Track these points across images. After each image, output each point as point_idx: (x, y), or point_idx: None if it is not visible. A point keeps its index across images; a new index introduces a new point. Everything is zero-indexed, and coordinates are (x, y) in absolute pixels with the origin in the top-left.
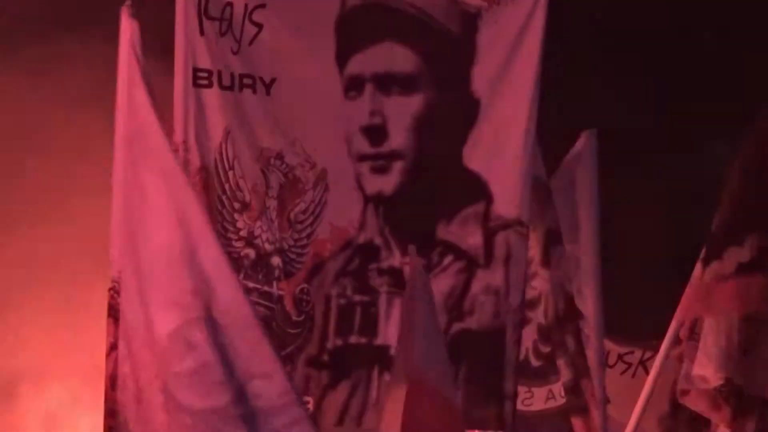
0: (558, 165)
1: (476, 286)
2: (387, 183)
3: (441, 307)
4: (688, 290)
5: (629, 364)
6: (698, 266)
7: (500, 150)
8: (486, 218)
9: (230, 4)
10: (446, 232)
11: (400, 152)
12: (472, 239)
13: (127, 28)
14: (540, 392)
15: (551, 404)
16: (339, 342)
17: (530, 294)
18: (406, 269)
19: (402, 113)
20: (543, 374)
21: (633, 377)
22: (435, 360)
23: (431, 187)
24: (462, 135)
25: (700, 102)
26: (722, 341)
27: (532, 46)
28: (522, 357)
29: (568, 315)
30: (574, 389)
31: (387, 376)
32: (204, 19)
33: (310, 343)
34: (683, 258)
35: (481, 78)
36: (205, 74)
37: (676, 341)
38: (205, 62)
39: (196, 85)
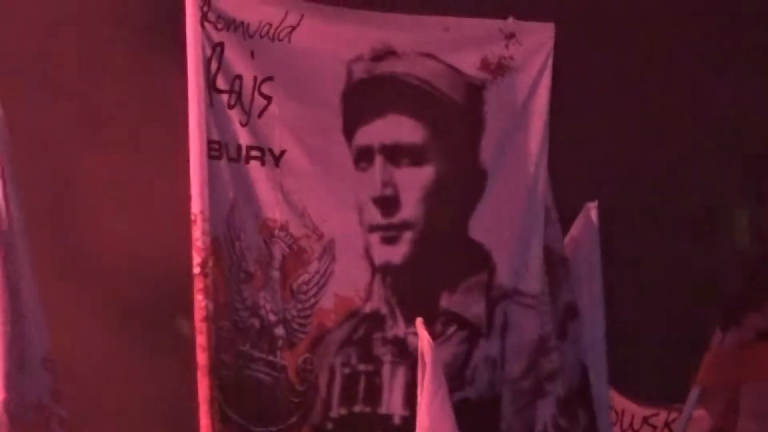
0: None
1: (477, 356)
2: (396, 253)
3: (444, 377)
4: (707, 357)
5: (654, 427)
6: (717, 333)
7: (502, 221)
8: (489, 288)
9: (239, 77)
10: (450, 301)
11: (411, 223)
12: (476, 308)
13: None
14: None
15: None
16: (343, 411)
17: (548, 367)
18: (410, 339)
19: (412, 184)
20: None
21: None
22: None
23: (437, 258)
24: (468, 206)
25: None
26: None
27: (537, 116)
28: (540, 429)
29: (582, 388)
30: None
31: None
32: (213, 91)
33: (313, 412)
34: (702, 322)
35: (487, 149)
36: (216, 146)
37: (697, 408)
38: (214, 134)
39: (210, 156)
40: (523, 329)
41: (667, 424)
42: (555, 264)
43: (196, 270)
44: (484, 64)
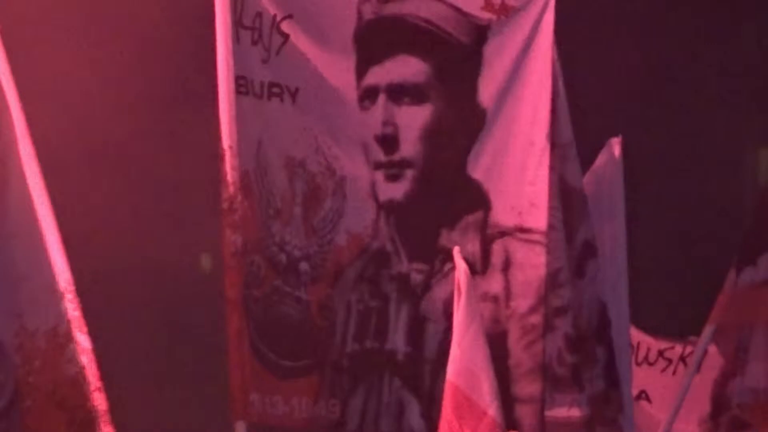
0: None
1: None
2: (398, 190)
3: (441, 314)
4: (722, 296)
5: (669, 361)
6: (732, 272)
7: (500, 159)
8: (484, 226)
9: (260, 14)
10: (448, 239)
11: (410, 161)
12: (471, 247)
13: None
14: (562, 399)
15: (574, 413)
16: (356, 347)
17: (557, 302)
18: (413, 275)
19: (412, 123)
20: (566, 382)
21: (674, 374)
22: (469, 368)
23: (437, 196)
24: (467, 144)
25: (729, 108)
26: None
27: (540, 55)
28: (545, 363)
29: (601, 326)
30: (604, 400)
31: (397, 382)
32: (239, 28)
33: (332, 348)
34: (720, 260)
35: (487, 88)
36: (243, 82)
37: (711, 344)
38: (241, 70)
39: (238, 92)
40: (529, 265)
41: (682, 358)
42: (573, 201)
43: (225, 205)
44: (488, 4)
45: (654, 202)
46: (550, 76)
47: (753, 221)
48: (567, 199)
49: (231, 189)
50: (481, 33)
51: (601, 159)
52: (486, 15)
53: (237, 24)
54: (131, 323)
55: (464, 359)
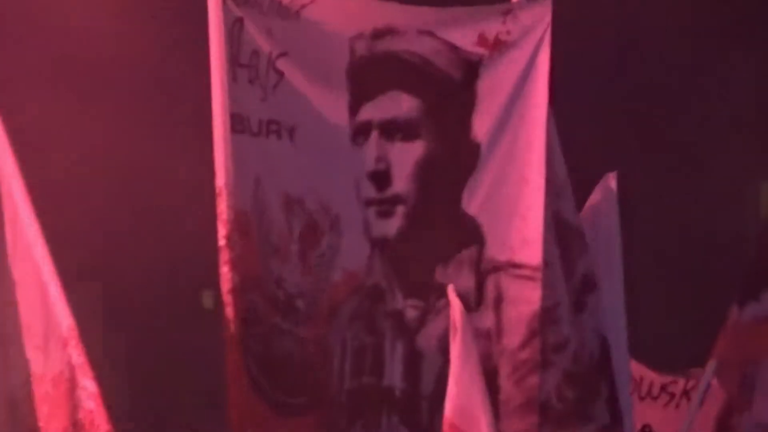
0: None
1: None
2: (390, 227)
3: (436, 350)
4: (724, 331)
5: (672, 395)
6: (734, 307)
7: (494, 194)
8: (478, 262)
9: (256, 52)
10: (443, 275)
11: (402, 197)
12: (465, 282)
13: None
14: None
15: None
16: (354, 383)
17: (554, 338)
18: (408, 312)
19: (404, 159)
20: (567, 419)
21: (677, 408)
22: (465, 405)
23: (431, 232)
24: (462, 180)
25: (730, 141)
26: None
27: (535, 91)
28: (544, 400)
29: (603, 360)
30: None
31: (395, 419)
32: (236, 66)
33: (331, 384)
34: (718, 292)
35: (481, 124)
36: (239, 119)
37: (713, 379)
38: (238, 108)
39: (233, 130)
40: (520, 301)
41: (685, 392)
42: (570, 236)
43: (222, 242)
44: (482, 40)
45: (655, 236)
46: (546, 112)
47: (755, 256)
48: (564, 235)
49: (228, 227)
50: (473, 68)
51: (596, 194)
52: (479, 50)
53: (233, 62)
54: (132, 361)
55: (461, 397)
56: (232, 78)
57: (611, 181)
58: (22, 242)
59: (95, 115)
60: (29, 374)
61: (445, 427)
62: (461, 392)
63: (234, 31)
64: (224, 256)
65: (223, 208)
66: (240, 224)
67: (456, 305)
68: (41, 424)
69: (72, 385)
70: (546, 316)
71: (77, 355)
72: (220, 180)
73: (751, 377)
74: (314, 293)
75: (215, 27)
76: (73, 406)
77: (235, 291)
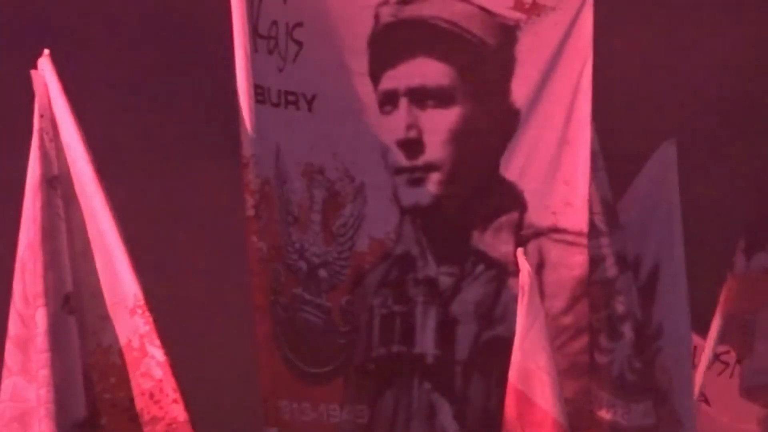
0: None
1: (507, 295)
2: (423, 195)
3: (472, 316)
4: (731, 282)
5: (726, 364)
6: (740, 258)
7: (534, 157)
8: (519, 227)
9: (275, 23)
10: (479, 241)
11: (436, 164)
12: (504, 248)
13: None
14: (637, 408)
15: (648, 421)
16: (382, 351)
17: (620, 309)
18: (441, 279)
19: (438, 126)
20: (638, 390)
21: (731, 377)
22: (531, 370)
23: (467, 198)
24: (500, 146)
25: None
26: None
27: (576, 55)
28: (617, 372)
29: (639, 343)
30: (662, 408)
31: (427, 385)
32: (257, 37)
33: (356, 352)
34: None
35: (520, 89)
36: (260, 91)
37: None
38: (259, 79)
39: (257, 101)
40: (562, 266)
41: (739, 361)
42: (610, 214)
43: (250, 212)
44: (518, 4)
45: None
46: (590, 75)
47: (763, 207)
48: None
49: (256, 196)
50: (510, 33)
51: (654, 163)
52: (515, 15)
53: (254, 33)
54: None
55: (526, 361)
56: (254, 49)
57: (670, 149)
58: (86, 211)
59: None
60: (96, 345)
61: (510, 392)
62: (526, 356)
63: (254, 1)
64: (252, 226)
65: (250, 178)
66: (265, 194)
67: (525, 268)
68: (108, 395)
69: (140, 354)
70: (608, 288)
71: (144, 324)
72: (247, 150)
73: (751, 324)
74: (338, 262)
75: None
76: (141, 375)
77: (263, 261)
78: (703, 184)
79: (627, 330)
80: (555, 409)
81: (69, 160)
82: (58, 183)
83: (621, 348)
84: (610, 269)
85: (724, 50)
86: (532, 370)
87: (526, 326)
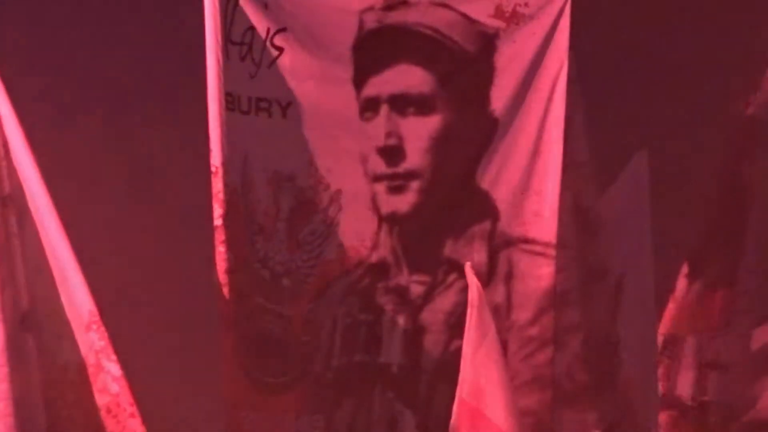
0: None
1: None
2: (403, 202)
3: (442, 325)
4: (672, 305)
5: None
6: (682, 282)
7: (507, 167)
8: (491, 236)
9: (252, 29)
10: (453, 250)
11: (417, 172)
12: (477, 257)
13: None
14: (573, 418)
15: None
16: (343, 360)
17: (567, 320)
18: (413, 287)
19: (418, 133)
20: (578, 401)
21: None
22: (482, 385)
23: (444, 206)
24: (477, 154)
25: None
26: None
27: (552, 64)
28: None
29: (604, 355)
30: (625, 418)
31: (390, 394)
32: (228, 44)
33: (315, 361)
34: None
35: (499, 98)
36: (230, 98)
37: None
38: (230, 86)
39: (227, 108)
40: (530, 276)
41: None
42: (584, 221)
43: (218, 222)
44: (498, 12)
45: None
46: (564, 85)
47: (702, 235)
48: (579, 219)
49: (225, 206)
50: (490, 41)
51: (627, 174)
52: (495, 23)
53: (226, 40)
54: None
55: (477, 377)
56: (225, 56)
57: (642, 160)
58: (40, 229)
59: (94, 92)
60: (52, 362)
61: (461, 408)
62: (477, 372)
63: (228, 8)
64: (220, 236)
65: (219, 187)
66: (233, 203)
67: (473, 283)
68: (65, 412)
69: (96, 369)
70: (561, 298)
71: (99, 339)
72: (216, 159)
73: (678, 351)
74: (302, 270)
75: (210, 4)
76: (98, 390)
77: (230, 271)
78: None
79: (572, 340)
80: (508, 424)
81: (21, 178)
82: (10, 201)
83: (564, 356)
84: (568, 280)
85: None
86: (483, 385)
87: (476, 341)
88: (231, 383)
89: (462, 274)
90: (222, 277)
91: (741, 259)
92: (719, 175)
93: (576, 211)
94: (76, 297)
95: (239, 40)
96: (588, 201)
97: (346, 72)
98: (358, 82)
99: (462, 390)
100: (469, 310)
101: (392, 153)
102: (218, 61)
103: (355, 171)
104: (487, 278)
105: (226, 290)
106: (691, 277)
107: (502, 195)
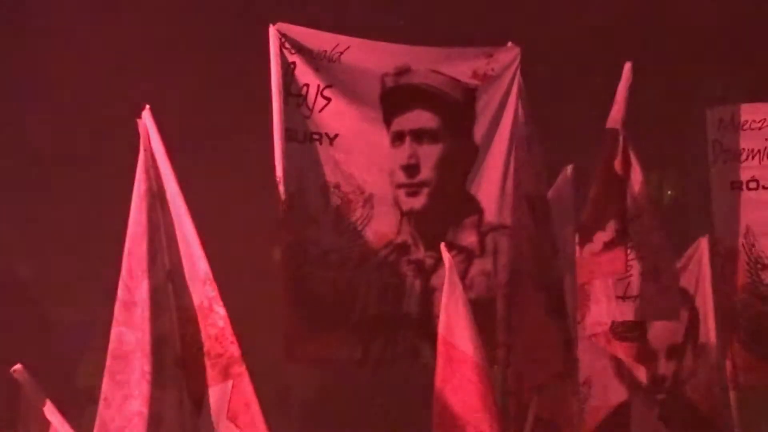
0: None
1: (473, 271)
2: (417, 203)
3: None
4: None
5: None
6: (577, 248)
7: (487, 178)
8: (479, 225)
9: (307, 85)
10: (453, 235)
11: (427, 182)
12: (471, 239)
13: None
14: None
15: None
16: (376, 310)
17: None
18: (426, 260)
19: (429, 156)
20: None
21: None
22: (452, 322)
23: (445, 206)
24: (466, 170)
25: None
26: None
27: (510, 110)
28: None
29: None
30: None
31: (411, 333)
32: (287, 95)
33: (354, 313)
34: None
35: (479, 132)
36: (290, 132)
37: None
38: (289, 123)
39: (287, 139)
40: (505, 251)
41: None
42: (537, 208)
43: (281, 215)
44: (475, 74)
45: None
46: (511, 122)
47: (587, 210)
48: (537, 206)
49: (285, 204)
50: (471, 94)
51: (559, 181)
52: (474, 81)
53: (287, 92)
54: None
55: (449, 317)
56: (286, 103)
57: (569, 171)
58: (174, 215)
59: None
60: (181, 305)
61: (440, 343)
62: (449, 314)
63: (288, 70)
64: (282, 223)
65: (281, 191)
66: (291, 203)
67: (446, 256)
68: (188, 338)
69: (209, 311)
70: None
71: (212, 291)
72: (279, 172)
73: (587, 292)
74: (345, 250)
75: (275, 68)
76: (209, 325)
77: (288, 247)
78: None
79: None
80: (471, 350)
81: (163, 179)
82: (156, 194)
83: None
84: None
85: None
86: (454, 323)
87: (448, 293)
88: (289, 325)
89: (460, 251)
90: (282, 252)
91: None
92: (601, 169)
93: (540, 201)
94: (197, 261)
95: (297, 93)
96: (545, 194)
97: (378, 114)
98: (387, 122)
99: (441, 329)
100: (446, 276)
101: (412, 169)
102: (280, 108)
103: (384, 181)
104: (479, 253)
105: (284, 260)
106: (582, 243)
107: (485, 197)
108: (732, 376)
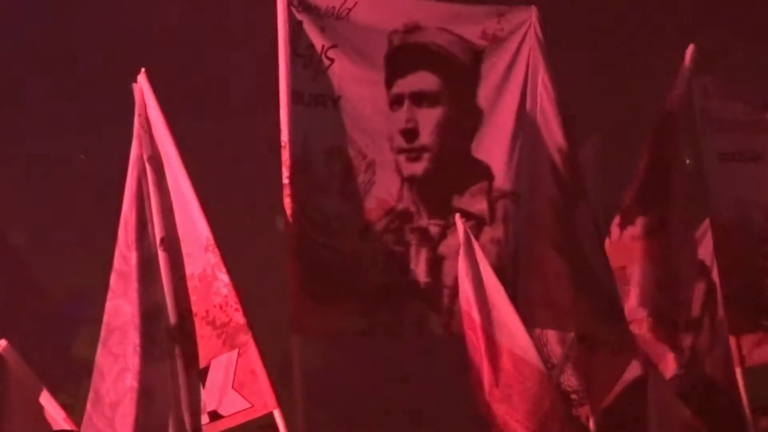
0: None
1: (484, 238)
2: (418, 168)
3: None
4: (609, 247)
5: None
6: (615, 229)
7: (497, 143)
8: (489, 191)
9: (311, 45)
10: (459, 201)
11: (427, 147)
12: (479, 206)
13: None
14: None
15: None
16: (381, 279)
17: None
18: (431, 228)
19: (429, 120)
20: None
21: None
22: (477, 300)
23: (448, 171)
24: (470, 134)
25: None
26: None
27: (518, 72)
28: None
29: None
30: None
31: (417, 302)
32: (295, 56)
33: (361, 281)
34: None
35: (484, 94)
36: (296, 94)
37: None
38: (295, 86)
39: (293, 101)
40: (514, 218)
41: None
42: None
43: (285, 181)
44: (484, 35)
45: None
46: (521, 85)
47: (630, 192)
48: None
49: (290, 169)
50: (478, 55)
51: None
52: (482, 42)
53: (294, 53)
54: None
55: (466, 288)
56: (293, 63)
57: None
58: (170, 181)
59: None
60: (182, 273)
61: (464, 314)
62: (465, 285)
63: (295, 29)
64: (287, 190)
65: (286, 156)
66: (296, 168)
67: (461, 227)
68: (193, 308)
69: (212, 278)
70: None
71: (214, 257)
72: (285, 137)
73: (626, 276)
74: (350, 215)
75: (282, 27)
76: (213, 293)
77: (294, 215)
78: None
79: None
80: (488, 322)
81: (159, 144)
82: (151, 161)
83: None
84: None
85: None
86: (470, 293)
87: (466, 264)
88: (294, 296)
89: (468, 218)
90: (287, 220)
91: (668, 212)
92: (650, 152)
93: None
94: (198, 227)
95: (303, 53)
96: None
97: (380, 76)
98: (389, 83)
99: (461, 299)
100: (462, 245)
101: (411, 133)
102: (287, 67)
103: (384, 146)
104: (489, 220)
105: (290, 229)
106: (623, 225)
107: (495, 162)
108: (736, 352)
